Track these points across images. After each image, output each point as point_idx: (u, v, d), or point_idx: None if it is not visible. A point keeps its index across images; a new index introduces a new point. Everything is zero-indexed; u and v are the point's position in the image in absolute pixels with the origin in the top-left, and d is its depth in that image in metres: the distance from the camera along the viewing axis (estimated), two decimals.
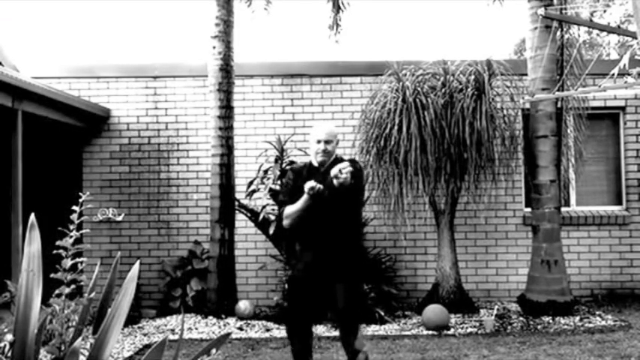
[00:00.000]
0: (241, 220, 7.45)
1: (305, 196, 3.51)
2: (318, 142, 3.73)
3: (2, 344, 2.15)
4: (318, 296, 3.74)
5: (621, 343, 5.33)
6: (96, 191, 7.75)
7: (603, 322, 6.26)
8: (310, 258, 3.73)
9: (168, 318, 7.04)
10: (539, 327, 6.13)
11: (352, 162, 3.68)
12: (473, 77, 6.67)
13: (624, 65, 4.41)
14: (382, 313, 6.43)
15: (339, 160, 3.81)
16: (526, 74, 7.11)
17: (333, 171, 3.35)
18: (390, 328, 6.22)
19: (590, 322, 6.27)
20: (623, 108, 7.93)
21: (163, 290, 7.47)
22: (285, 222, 3.72)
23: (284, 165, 6.87)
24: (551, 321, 6.34)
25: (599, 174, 8.02)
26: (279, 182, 6.79)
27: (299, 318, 3.76)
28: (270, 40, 28.99)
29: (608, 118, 8.04)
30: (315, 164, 3.80)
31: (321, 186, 3.44)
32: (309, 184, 3.43)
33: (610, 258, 7.75)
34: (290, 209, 3.67)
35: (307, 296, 3.73)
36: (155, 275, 7.70)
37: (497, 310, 6.81)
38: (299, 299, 3.76)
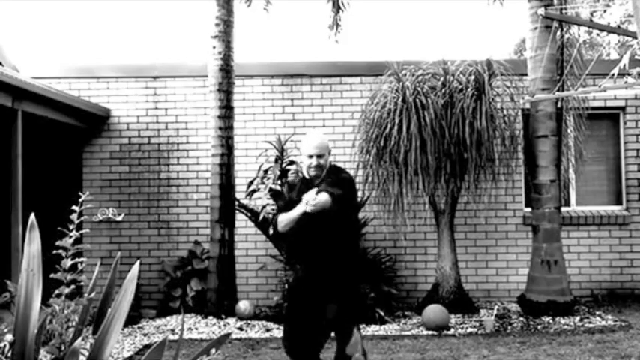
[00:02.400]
0: (241, 220, 7.45)
1: (301, 208, 3.31)
2: (310, 156, 3.57)
3: (2, 344, 2.15)
4: (313, 314, 3.54)
5: (621, 343, 5.33)
6: (96, 191, 7.75)
7: (603, 322, 6.26)
8: (303, 273, 3.63)
9: (168, 318, 7.04)
10: (539, 327, 6.13)
11: (337, 172, 3.60)
12: (473, 77, 6.67)
13: (624, 65, 4.41)
14: (382, 313, 6.43)
15: (333, 169, 3.66)
16: (526, 74, 7.11)
17: (305, 197, 3.23)
18: (390, 328, 6.22)
19: (590, 322, 6.27)
20: (623, 108, 7.93)
21: (163, 290, 7.47)
22: (280, 227, 3.60)
23: (284, 165, 6.87)
24: (551, 321, 6.34)
25: (599, 174, 8.02)
26: (279, 182, 6.79)
27: (296, 337, 3.59)
28: (270, 40, 29.00)
29: (608, 118, 8.04)
30: (307, 177, 3.65)
31: (320, 199, 3.25)
32: (307, 197, 3.24)
33: (610, 258, 7.74)
34: (284, 217, 3.54)
35: (302, 315, 3.58)
36: (155, 275, 7.69)
37: (497, 310, 6.81)
38: (295, 318, 3.62)
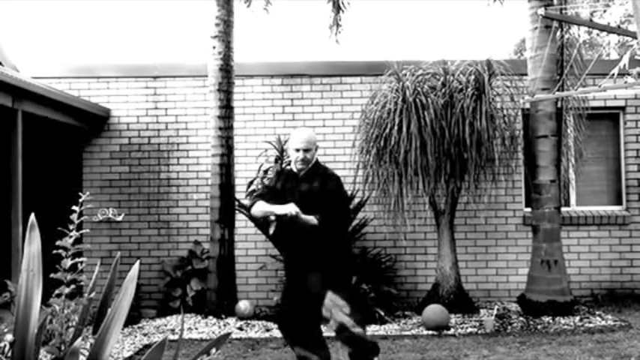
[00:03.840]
0: (241, 220, 7.45)
1: (280, 211, 3.69)
2: (297, 150, 3.84)
3: (2, 344, 2.15)
4: (301, 289, 3.89)
5: (621, 343, 5.33)
6: (96, 191, 7.75)
7: (603, 322, 6.26)
8: (291, 265, 4.00)
9: (168, 318, 7.04)
10: (539, 327, 6.13)
11: (324, 175, 3.89)
12: (473, 77, 6.67)
13: (624, 65, 4.42)
14: (382, 313, 6.43)
15: (318, 166, 3.96)
16: (526, 74, 7.11)
17: (290, 208, 3.66)
18: (390, 328, 6.22)
19: (590, 322, 6.27)
20: (623, 108, 7.93)
21: (163, 290, 7.47)
22: (253, 210, 3.93)
23: (284, 165, 6.88)
24: (551, 321, 6.34)
25: (599, 174, 8.01)
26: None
27: (287, 320, 3.98)
28: (270, 40, 29.01)
29: (608, 118, 8.04)
30: (295, 170, 3.93)
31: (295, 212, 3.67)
32: (293, 208, 3.65)
33: (610, 258, 7.74)
34: (263, 206, 3.85)
35: (293, 299, 3.95)
36: (155, 275, 7.69)
37: (497, 310, 6.81)
38: (287, 303, 4.03)
